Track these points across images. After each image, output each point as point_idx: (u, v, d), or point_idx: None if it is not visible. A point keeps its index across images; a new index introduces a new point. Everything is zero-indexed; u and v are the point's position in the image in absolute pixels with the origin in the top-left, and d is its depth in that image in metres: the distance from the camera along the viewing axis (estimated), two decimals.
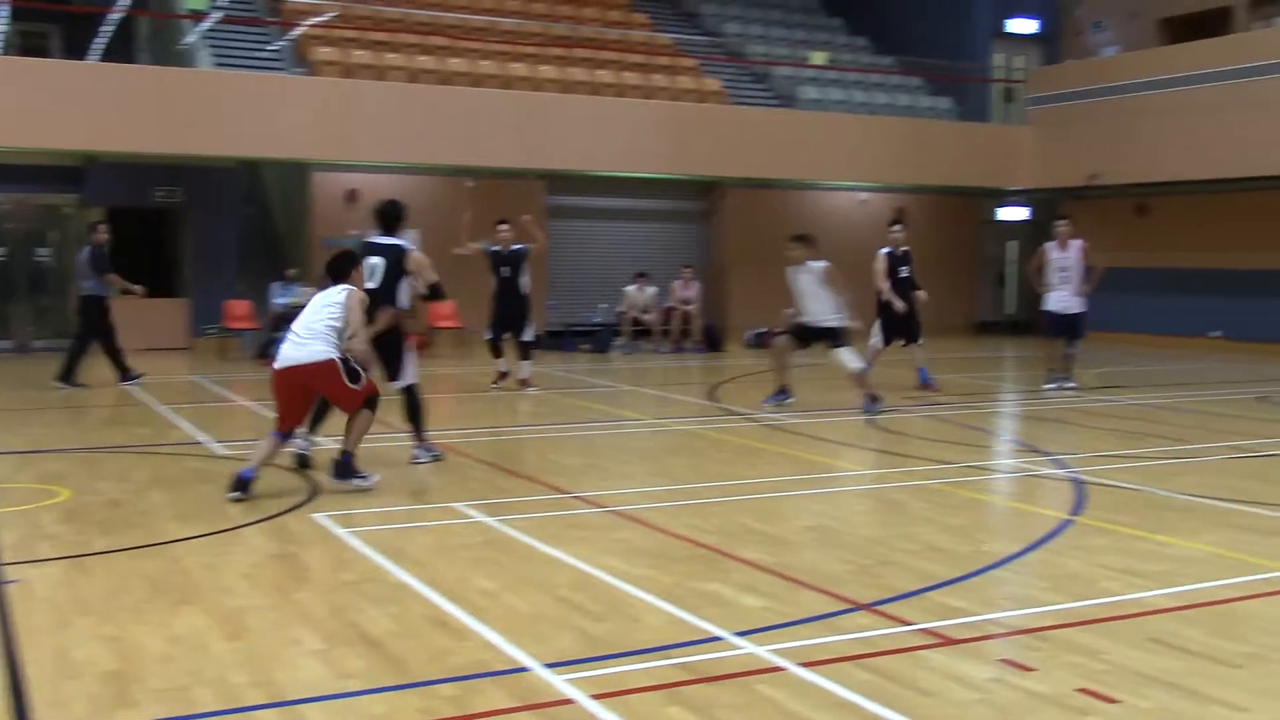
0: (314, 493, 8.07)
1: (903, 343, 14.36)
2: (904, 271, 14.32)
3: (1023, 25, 26.93)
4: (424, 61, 20.88)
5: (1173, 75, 21.49)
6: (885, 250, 14.45)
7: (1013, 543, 6.89)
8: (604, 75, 22.14)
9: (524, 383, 14.25)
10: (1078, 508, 7.82)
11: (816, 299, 12.57)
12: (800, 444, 10.54)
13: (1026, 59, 27.19)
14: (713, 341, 20.93)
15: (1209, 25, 23.96)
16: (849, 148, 22.66)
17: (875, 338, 14.18)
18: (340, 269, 8.36)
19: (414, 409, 9.29)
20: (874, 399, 12.33)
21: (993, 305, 26.79)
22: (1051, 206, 25.32)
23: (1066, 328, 14.54)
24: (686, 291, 21.03)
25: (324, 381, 7.99)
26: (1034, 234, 26.92)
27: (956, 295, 25.62)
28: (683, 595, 5.71)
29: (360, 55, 20.53)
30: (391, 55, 20.86)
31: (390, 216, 9.65)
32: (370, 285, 8.98)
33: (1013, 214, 26.45)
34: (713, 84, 23.14)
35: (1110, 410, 13.05)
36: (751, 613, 5.47)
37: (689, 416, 12.43)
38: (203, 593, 5.76)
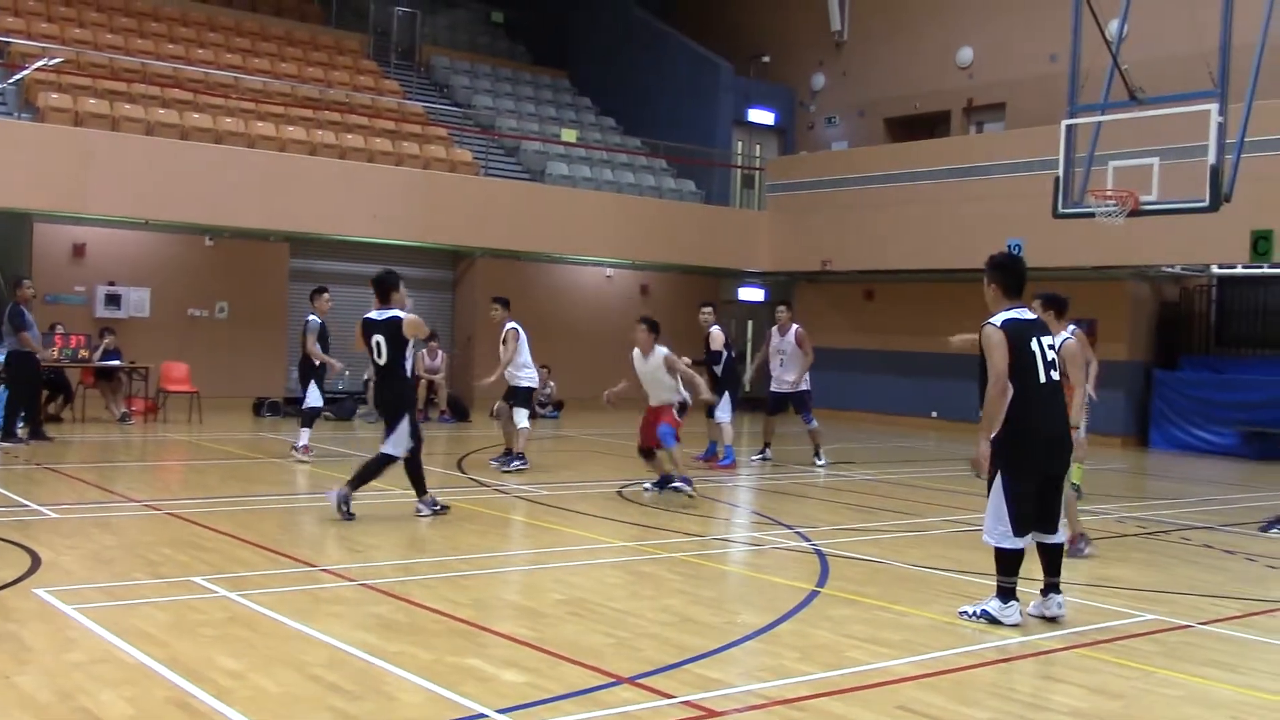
0: (35, 565, 7.48)
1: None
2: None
3: (762, 116, 28.25)
4: (163, 114, 20.04)
5: (896, 171, 22.95)
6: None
7: (764, 614, 7.05)
8: (352, 140, 21.83)
9: (301, 449, 14.03)
10: (822, 579, 8.10)
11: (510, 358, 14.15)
12: (551, 515, 10.52)
13: (764, 148, 28.50)
14: (459, 412, 20.75)
15: (929, 126, 25.81)
16: (596, 224, 23.07)
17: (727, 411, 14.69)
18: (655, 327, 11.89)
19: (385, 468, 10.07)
20: (520, 457, 13.58)
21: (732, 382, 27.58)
22: (787, 289, 26.54)
23: (783, 405, 15.49)
24: (433, 361, 20.81)
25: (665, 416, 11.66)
26: (771, 315, 28.08)
27: (697, 370, 26.33)
28: (442, 671, 5.57)
29: (93, 104, 19.53)
30: (128, 106, 19.94)
31: (384, 286, 10.00)
32: (380, 362, 9.91)
33: (751, 295, 27.51)
34: (463, 155, 23.18)
35: (846, 485, 13.65)
36: (513, 688, 5.38)
37: (436, 488, 12.18)
38: None
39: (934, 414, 23.06)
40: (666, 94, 27.82)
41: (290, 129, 21.34)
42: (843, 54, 27.52)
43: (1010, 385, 6.74)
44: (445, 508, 10.20)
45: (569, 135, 25.81)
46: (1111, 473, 16.14)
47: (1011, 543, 6.83)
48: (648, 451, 11.88)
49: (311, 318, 14.37)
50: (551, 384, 22.17)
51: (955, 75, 25.34)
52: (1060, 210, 14.70)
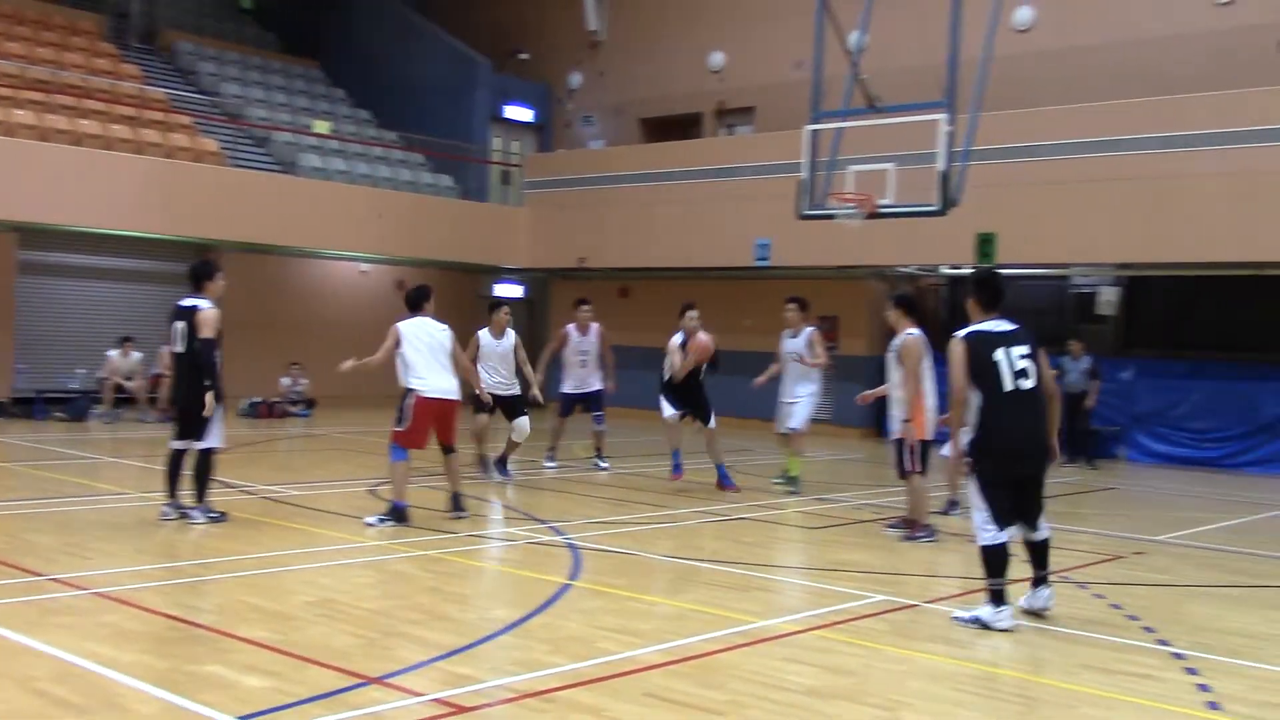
0: None
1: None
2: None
3: (519, 112, 28.29)
4: None
5: (651, 170, 23.40)
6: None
7: (516, 608, 7.10)
8: (88, 125, 20.67)
9: None
10: (575, 572, 8.21)
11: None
12: (301, 516, 10.27)
13: (522, 144, 28.55)
14: None
15: (683, 128, 26.41)
16: (351, 218, 22.60)
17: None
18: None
19: (206, 472, 9.72)
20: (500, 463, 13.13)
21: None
22: (545, 285, 26.69)
23: (583, 405, 14.75)
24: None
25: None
26: (528, 311, 28.17)
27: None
28: (179, 680, 5.39)
29: None
30: None
31: (197, 275, 9.96)
32: (178, 350, 9.66)
33: (509, 291, 27.50)
34: (209, 144, 22.30)
35: (600, 479, 13.84)
36: (256, 694, 5.25)
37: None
38: None
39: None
40: (423, 88, 27.50)
41: (19, 112, 20.03)
42: (600, 54, 27.83)
43: (977, 393, 7.06)
44: (223, 515, 9.79)
45: (322, 127, 25.18)
46: (850, 462, 16.94)
47: (994, 537, 7.00)
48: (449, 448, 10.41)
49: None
50: (304, 381, 21.62)
51: (707, 78, 26.00)
52: (804, 212, 15.28)
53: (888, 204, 14.59)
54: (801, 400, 12.94)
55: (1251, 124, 16.80)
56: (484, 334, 13.25)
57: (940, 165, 13.81)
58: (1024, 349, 7.17)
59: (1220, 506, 13.38)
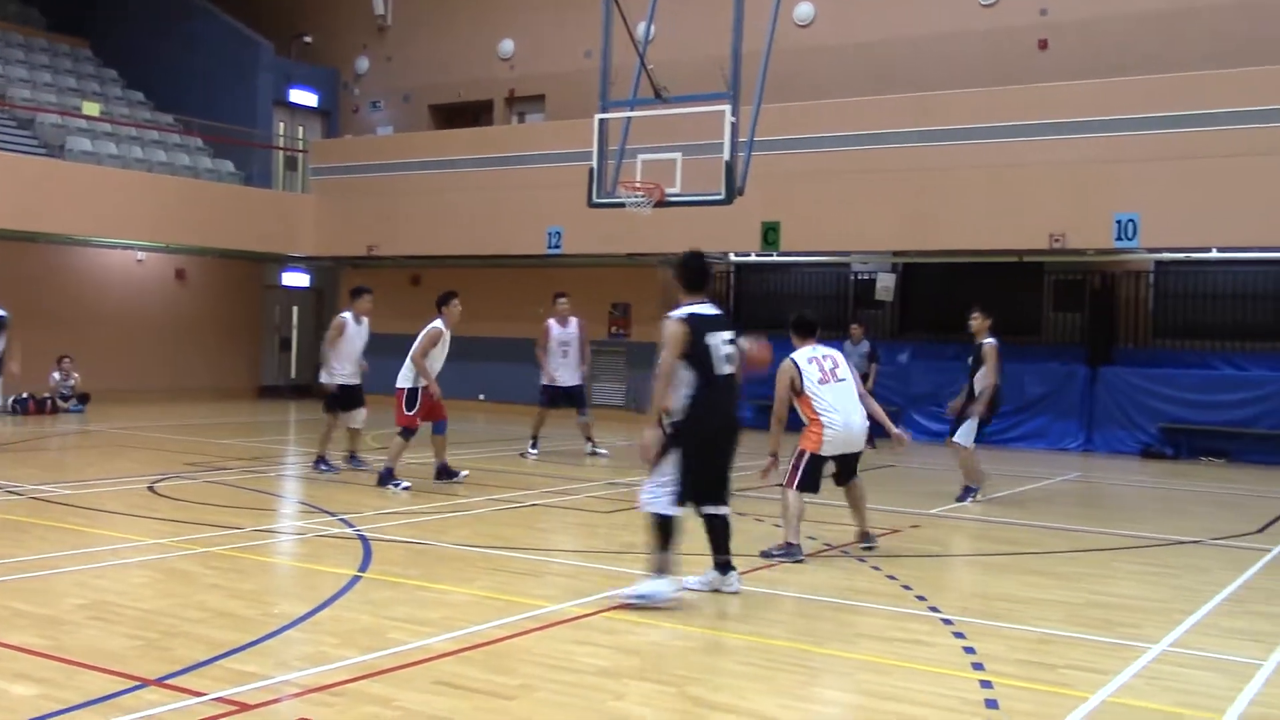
0: None
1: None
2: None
3: (304, 97, 27.56)
4: None
5: (441, 158, 23.16)
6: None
7: (303, 603, 6.97)
8: None
9: None
10: (364, 564, 8.10)
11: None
12: (74, 516, 9.81)
13: (308, 130, 27.83)
14: None
15: (473, 115, 26.24)
16: (125, 204, 21.61)
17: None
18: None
19: None
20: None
21: (276, 370, 26.84)
22: (334, 274, 26.14)
23: (566, 399, 15.81)
24: None
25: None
26: (317, 300, 27.54)
27: (238, 359, 25.45)
28: None
29: None
30: None
31: None
32: None
33: (296, 280, 26.82)
34: None
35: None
36: (23, 702, 5.01)
37: None
38: None
39: (481, 396, 23.54)
40: (201, 70, 26.47)
41: None
42: (386, 39, 27.36)
43: (693, 376, 7.11)
44: None
45: (91, 109, 23.98)
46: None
47: (671, 509, 7.05)
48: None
49: None
50: (75, 376, 20.60)
51: (497, 66, 25.88)
52: (594, 200, 15.39)
53: (675, 193, 14.81)
54: None
55: (1013, 119, 17.79)
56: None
57: (725, 155, 14.11)
58: (728, 334, 7.36)
59: (989, 480, 14.14)
